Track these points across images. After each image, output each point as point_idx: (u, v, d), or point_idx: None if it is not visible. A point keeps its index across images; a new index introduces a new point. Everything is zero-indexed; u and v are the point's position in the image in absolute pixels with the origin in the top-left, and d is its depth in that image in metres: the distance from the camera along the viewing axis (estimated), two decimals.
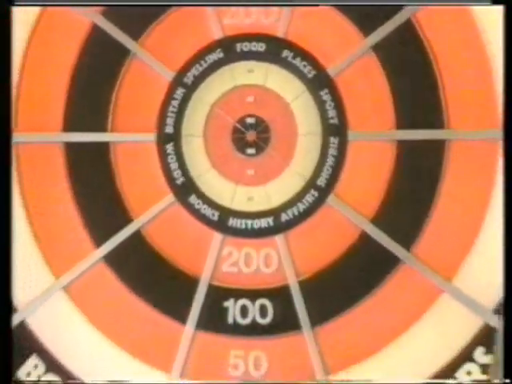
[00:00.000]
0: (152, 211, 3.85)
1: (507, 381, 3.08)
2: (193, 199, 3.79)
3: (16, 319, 3.75)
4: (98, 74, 3.83)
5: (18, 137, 3.82)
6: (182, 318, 3.79)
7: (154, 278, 3.87)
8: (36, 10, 3.78)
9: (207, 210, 3.83)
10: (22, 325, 3.77)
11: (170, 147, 3.82)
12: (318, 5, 4.13)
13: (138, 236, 3.83)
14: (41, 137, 3.88)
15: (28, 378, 3.74)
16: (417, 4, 4.08)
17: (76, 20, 3.74)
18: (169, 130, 3.83)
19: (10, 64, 2.84)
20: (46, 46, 3.92)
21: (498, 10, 3.43)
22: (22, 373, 3.71)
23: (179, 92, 3.79)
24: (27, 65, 3.90)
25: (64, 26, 3.77)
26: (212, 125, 3.88)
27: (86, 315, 3.79)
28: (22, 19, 3.86)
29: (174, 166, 3.81)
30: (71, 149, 3.83)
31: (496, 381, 3.72)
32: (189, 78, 3.84)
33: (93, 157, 3.85)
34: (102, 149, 3.84)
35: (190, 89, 3.85)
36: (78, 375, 3.78)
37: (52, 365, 3.76)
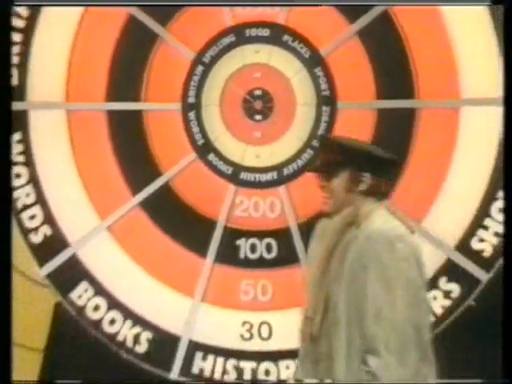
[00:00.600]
0: (178, 167, 4.14)
1: (507, 381, 3.00)
2: (211, 157, 4.16)
3: (69, 252, 4.04)
4: (133, 54, 4.16)
5: (70, 106, 4.11)
6: (202, 253, 4.10)
7: (180, 221, 4.20)
8: (80, 9, 4.04)
9: (222, 166, 4.19)
10: (74, 257, 4.08)
11: (192, 114, 4.16)
12: (318, 5, 4.23)
13: (166, 186, 4.12)
14: (88, 105, 4.12)
15: (79, 300, 3.93)
16: (418, 4, 4.24)
17: (115, 12, 3.94)
18: (191, 100, 4.16)
19: (10, 61, 2.50)
20: (92, 34, 4.11)
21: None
22: (74, 295, 3.97)
23: (199, 69, 4.13)
24: (77, 49, 4.15)
25: (106, 18, 4.01)
26: (226, 96, 4.21)
27: (125, 250, 4.16)
28: (68, 17, 4.05)
29: (195, 129, 4.14)
30: (112, 115, 4.12)
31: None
32: (207, 58, 4.16)
33: (129, 122, 4.12)
34: (137, 115, 4.16)
35: (208, 66, 4.17)
36: (120, 298, 4.01)
37: (99, 290, 4.02)
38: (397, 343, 2.65)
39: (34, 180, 4.26)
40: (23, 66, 4.23)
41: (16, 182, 4.26)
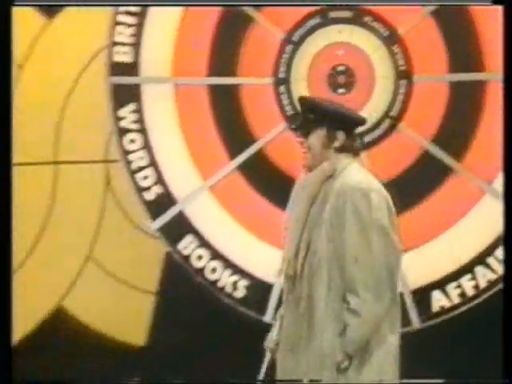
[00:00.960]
0: (270, 135, 4.22)
1: (507, 381, 2.82)
2: None
3: (176, 209, 4.18)
4: (231, 35, 4.26)
5: (176, 80, 4.24)
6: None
7: (272, 183, 4.33)
8: (179, 9, 4.19)
9: None
10: (181, 213, 4.21)
11: (282, 88, 4.29)
12: (318, 5, 4.32)
13: (260, 152, 4.25)
14: (192, 80, 4.26)
15: (185, 250, 4.09)
16: (419, 4, 4.31)
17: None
18: (281, 75, 4.28)
19: (10, 59, 2.57)
20: (195, 18, 4.24)
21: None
22: (181, 246, 4.14)
23: (288, 47, 4.24)
24: (182, 31, 4.23)
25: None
26: (313, 71, 4.32)
27: (225, 208, 4.33)
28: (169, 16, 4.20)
29: (285, 102, 4.26)
30: (213, 89, 4.30)
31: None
32: (295, 37, 4.29)
33: (227, 94, 4.22)
34: (234, 89, 4.28)
35: (297, 45, 4.28)
36: (220, 250, 4.18)
37: (202, 242, 4.20)
38: (373, 283, 2.71)
39: (146, 145, 4.37)
40: (137, 46, 4.31)
41: (130, 147, 4.36)
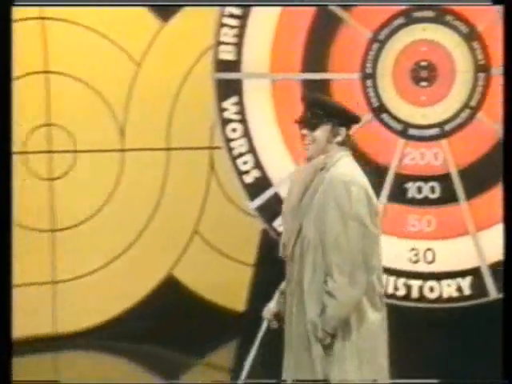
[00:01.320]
0: (357, 124, 4.18)
1: (507, 381, 2.59)
2: (384, 116, 4.25)
3: (272, 191, 4.22)
4: (323, 35, 4.24)
5: (273, 76, 4.27)
6: (377, 193, 4.07)
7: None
8: (277, 10, 4.22)
9: (394, 124, 4.25)
10: (276, 194, 4.23)
11: (369, 82, 4.27)
12: (318, 5, 4.28)
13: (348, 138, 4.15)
14: (287, 76, 4.28)
15: (280, 227, 4.07)
16: (419, 4, 4.23)
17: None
18: (368, 70, 4.26)
19: (10, 58, 2.41)
20: (290, 20, 4.28)
21: None
22: (276, 224, 4.14)
23: (375, 45, 4.21)
24: (279, 31, 4.26)
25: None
26: (397, 67, 4.28)
27: None
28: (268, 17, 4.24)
29: (371, 94, 4.25)
30: (305, 83, 4.26)
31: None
32: (381, 36, 4.25)
33: (319, 88, 4.25)
34: (325, 83, 4.25)
35: (382, 43, 4.25)
36: None
37: None
38: (348, 267, 2.74)
39: (246, 134, 4.42)
40: (239, 45, 4.35)
41: (232, 135, 4.41)
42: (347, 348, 2.84)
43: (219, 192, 5.17)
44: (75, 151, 5.00)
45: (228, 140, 4.44)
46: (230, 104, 4.43)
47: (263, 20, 4.47)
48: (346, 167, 2.86)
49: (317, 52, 4.43)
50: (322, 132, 2.86)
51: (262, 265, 4.43)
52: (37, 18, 4.88)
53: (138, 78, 5.03)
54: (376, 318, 2.87)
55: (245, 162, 4.43)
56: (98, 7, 4.54)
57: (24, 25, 4.86)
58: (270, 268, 4.37)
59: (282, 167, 4.47)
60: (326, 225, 2.79)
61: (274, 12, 4.46)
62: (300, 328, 2.89)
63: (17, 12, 4.67)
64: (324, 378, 2.83)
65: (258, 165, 4.44)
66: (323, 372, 2.84)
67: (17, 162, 4.92)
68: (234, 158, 4.45)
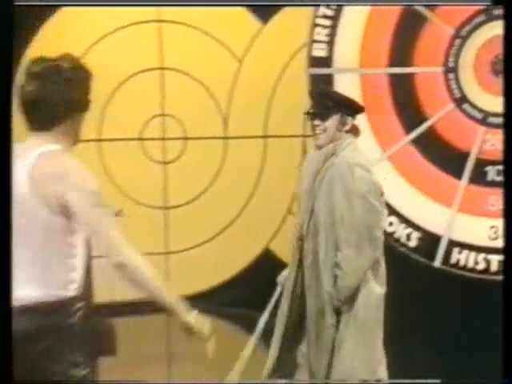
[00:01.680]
0: (439, 114, 4.23)
1: (507, 381, 2.32)
2: (466, 106, 4.21)
3: None
4: (408, 32, 4.23)
5: (362, 71, 4.30)
6: (459, 176, 4.23)
7: (442, 153, 4.26)
8: (367, 9, 4.19)
9: (475, 113, 4.22)
10: None
11: (451, 75, 4.23)
12: (317, 5, 4.23)
13: (431, 128, 4.24)
14: (375, 70, 4.31)
15: None
16: (419, 4, 4.13)
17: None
18: (451, 64, 4.23)
19: (11, 58, 2.14)
20: (378, 19, 4.27)
21: None
22: None
23: (457, 41, 4.16)
24: (368, 28, 4.29)
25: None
26: (478, 60, 4.24)
27: (400, 174, 4.30)
28: (357, 16, 4.25)
29: (453, 86, 4.21)
30: (392, 76, 4.28)
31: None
32: (463, 32, 4.22)
33: (404, 81, 4.27)
34: (409, 77, 4.26)
35: (464, 39, 4.21)
36: (396, 208, 4.26)
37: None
38: (354, 240, 2.84)
39: None
40: (331, 43, 4.37)
41: None
42: (353, 317, 2.91)
43: None
44: (185, 138, 5.06)
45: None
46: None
47: (353, 19, 4.47)
48: (351, 152, 2.94)
49: (402, 48, 4.41)
50: (332, 122, 2.91)
51: None
52: (154, 21, 4.95)
53: (239, 74, 5.05)
54: (380, 293, 2.93)
55: None
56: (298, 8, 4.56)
57: (142, 27, 4.97)
58: None
59: (370, 152, 4.33)
60: (334, 203, 2.87)
61: (363, 12, 4.45)
62: (317, 299, 2.96)
63: (136, 14, 4.90)
64: (331, 343, 2.92)
65: None
66: (331, 338, 2.93)
67: (135, 147, 5.05)
68: None
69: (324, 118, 2.92)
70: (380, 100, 4.43)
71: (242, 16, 5.03)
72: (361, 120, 4.52)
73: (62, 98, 2.23)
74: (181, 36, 5.04)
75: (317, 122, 2.92)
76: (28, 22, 4.38)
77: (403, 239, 4.36)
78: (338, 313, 2.91)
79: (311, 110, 2.99)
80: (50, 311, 2.32)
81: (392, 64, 4.38)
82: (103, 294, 4.06)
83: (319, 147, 2.97)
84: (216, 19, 5.02)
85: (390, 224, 4.36)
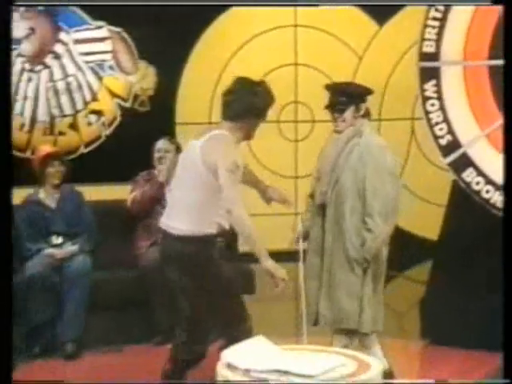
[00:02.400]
0: None
1: (507, 381, 2.29)
2: None
3: (461, 150, 4.34)
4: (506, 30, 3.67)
5: (465, 63, 4.40)
6: None
7: None
8: (470, 10, 4.19)
9: None
10: (464, 153, 4.33)
11: None
12: (318, 5, 4.30)
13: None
14: (474, 63, 4.44)
15: (467, 178, 4.24)
16: (419, 4, 4.05)
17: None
18: None
19: (10, 57, 2.13)
20: (482, 19, 4.35)
21: None
22: (464, 175, 4.29)
23: None
24: (471, 32, 4.40)
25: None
26: None
27: (496, 150, 4.30)
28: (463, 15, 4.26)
29: None
30: (491, 68, 4.37)
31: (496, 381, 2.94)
32: None
33: (502, 71, 3.79)
34: (506, 68, 3.62)
35: None
36: (492, 177, 4.31)
37: (479, 172, 4.39)
38: (384, 211, 3.14)
39: (442, 108, 4.54)
40: (439, 41, 4.54)
41: (430, 109, 4.57)
42: (373, 271, 3.22)
43: (418, 153, 5.34)
44: (313, 121, 5.41)
45: (427, 112, 4.60)
46: (430, 85, 4.59)
47: (458, 20, 4.53)
48: (375, 136, 3.23)
49: (500, 44, 4.17)
50: (349, 112, 3.15)
51: (453, 205, 4.57)
52: (291, 26, 5.33)
53: (359, 69, 5.33)
54: (386, 253, 3.27)
55: (440, 129, 4.58)
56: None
57: (280, 31, 5.35)
58: (459, 208, 4.61)
59: (469, 132, 4.56)
60: (366, 179, 3.10)
61: (466, 12, 4.51)
62: (339, 256, 3.19)
63: (274, 18, 5.14)
64: (360, 291, 3.19)
65: (450, 131, 4.56)
66: (361, 285, 3.19)
67: (273, 128, 5.35)
68: (431, 126, 4.58)
69: (341, 111, 3.16)
70: (480, 89, 4.50)
71: (360, 18, 5.23)
72: (462, 105, 4.59)
73: (247, 104, 2.88)
74: (311, 37, 5.32)
75: (336, 115, 3.18)
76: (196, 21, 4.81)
77: (498, 204, 4.40)
78: (363, 268, 3.17)
79: (328, 105, 3.23)
80: (197, 242, 2.98)
81: (491, 57, 4.44)
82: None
83: (339, 132, 3.22)
84: (339, 21, 5.26)
85: (487, 192, 4.45)
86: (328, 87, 3.28)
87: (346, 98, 3.16)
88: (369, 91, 3.24)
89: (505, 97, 2.47)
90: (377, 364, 1.94)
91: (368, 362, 1.95)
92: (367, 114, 3.22)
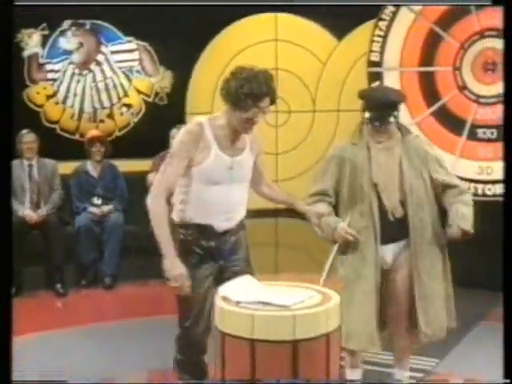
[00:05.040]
0: (449, 96, 4.10)
1: (507, 381, 1.86)
2: (465, 91, 4.06)
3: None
4: (431, 47, 4.14)
5: (401, 69, 4.15)
6: (459, 134, 4.06)
7: (448, 122, 4.15)
8: (405, 30, 3.97)
9: (471, 96, 4.08)
10: None
11: (457, 72, 4.07)
12: (318, 5, 4.02)
13: (443, 105, 4.14)
14: (406, 69, 4.19)
15: None
16: (419, 4, 3.76)
17: None
18: (457, 65, 4.07)
19: (10, 57, 1.71)
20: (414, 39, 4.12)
21: None
22: None
23: (461, 51, 4.06)
24: (405, 47, 4.14)
25: None
26: (474, 62, 4.11)
27: (426, 135, 4.06)
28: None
29: (458, 78, 4.06)
30: (421, 74, 4.18)
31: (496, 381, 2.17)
32: (465, 45, 4.05)
33: (426, 76, 4.12)
34: (431, 73, 4.12)
35: (466, 50, 4.06)
36: None
37: None
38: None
39: None
40: (382, 52, 4.38)
41: None
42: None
43: None
44: (289, 112, 5.22)
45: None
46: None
47: (397, 36, 4.42)
48: (416, 136, 2.55)
49: (427, 55, 4.36)
50: (391, 125, 2.39)
51: None
52: (273, 40, 5.12)
53: (323, 73, 5.17)
54: None
55: None
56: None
57: (265, 43, 5.13)
58: None
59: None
60: (429, 163, 2.41)
61: (403, 30, 4.37)
62: (428, 231, 2.41)
63: (260, 34, 4.91)
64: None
65: None
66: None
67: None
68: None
69: (386, 123, 2.37)
70: (411, 87, 4.41)
71: (324, 34, 5.04)
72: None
73: (246, 89, 2.03)
74: (287, 48, 5.19)
75: (382, 128, 2.37)
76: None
77: None
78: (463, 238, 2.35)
79: (380, 117, 2.37)
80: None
81: (420, 65, 4.38)
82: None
83: (380, 143, 2.40)
84: (309, 37, 5.04)
85: None
86: (370, 93, 2.53)
87: (392, 106, 2.38)
88: (404, 98, 2.52)
89: (505, 96, 2.01)
90: (337, 296, 1.88)
91: (329, 295, 1.91)
92: (396, 117, 2.42)
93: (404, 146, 2.40)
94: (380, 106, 2.37)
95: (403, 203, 2.37)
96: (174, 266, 2.04)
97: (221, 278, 2.15)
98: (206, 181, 2.10)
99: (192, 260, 2.12)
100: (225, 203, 2.14)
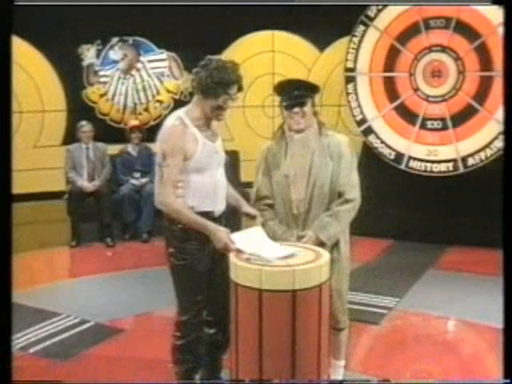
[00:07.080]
0: (406, 95, 3.95)
1: (507, 381, 1.58)
2: (418, 92, 3.94)
3: (367, 124, 4.00)
4: (392, 58, 3.95)
5: (371, 74, 4.05)
6: (413, 124, 3.90)
7: (405, 114, 3.96)
8: (371, 46, 3.84)
9: (422, 95, 3.97)
10: (369, 127, 4.03)
11: (412, 77, 3.95)
12: (319, 5, 3.81)
13: (402, 102, 3.97)
14: (375, 74, 4.05)
15: None
16: (420, 4, 3.52)
17: None
18: (412, 71, 3.93)
19: (10, 57, 1.44)
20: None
21: None
22: None
23: (415, 62, 3.91)
24: (374, 57, 3.96)
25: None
26: (424, 69, 3.98)
27: (391, 127, 4.05)
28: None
29: (413, 82, 3.93)
30: (386, 78, 3.99)
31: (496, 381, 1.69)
32: (418, 57, 3.92)
33: (388, 80, 3.97)
34: (392, 78, 3.96)
35: (419, 60, 3.92)
36: None
37: None
38: (355, 188, 1.97)
39: (357, 100, 4.28)
40: (355, 60, 4.24)
41: (350, 100, 4.24)
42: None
43: (342, 125, 4.79)
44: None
45: (348, 102, 4.42)
46: (350, 86, 4.43)
47: (366, 47, 4.32)
48: (336, 134, 2.02)
49: (390, 63, 4.24)
50: (308, 107, 1.93)
51: (362, 157, 4.19)
52: (270, 51, 5.03)
53: (309, 77, 4.93)
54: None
55: (356, 111, 4.37)
56: None
57: (264, 54, 5.01)
58: (366, 157, 4.24)
59: (372, 113, 4.30)
60: (340, 168, 1.96)
61: (372, 41, 4.21)
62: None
63: (261, 46, 4.79)
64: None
65: (361, 112, 4.34)
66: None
67: (259, 111, 5.04)
68: (350, 109, 4.36)
69: (303, 104, 1.91)
70: (378, 88, 4.35)
71: (308, 46, 4.91)
72: (368, 100, 4.32)
73: (216, 78, 1.80)
74: (281, 57, 5.08)
75: (296, 110, 1.91)
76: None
77: (388, 156, 4.27)
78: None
79: (293, 99, 1.92)
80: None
81: (385, 71, 4.30)
82: None
83: (300, 131, 1.94)
84: (298, 48, 4.96)
85: (381, 148, 4.24)
86: (283, 84, 1.98)
87: (304, 91, 1.92)
88: (318, 88, 1.98)
89: (505, 97, 1.67)
90: (327, 254, 1.79)
91: (321, 253, 1.81)
92: (316, 113, 1.98)
93: (321, 142, 1.97)
94: (291, 90, 1.93)
95: (310, 198, 1.94)
96: (215, 231, 1.80)
97: (220, 257, 1.86)
98: (201, 169, 1.84)
99: (193, 244, 1.88)
100: (220, 187, 1.90)
